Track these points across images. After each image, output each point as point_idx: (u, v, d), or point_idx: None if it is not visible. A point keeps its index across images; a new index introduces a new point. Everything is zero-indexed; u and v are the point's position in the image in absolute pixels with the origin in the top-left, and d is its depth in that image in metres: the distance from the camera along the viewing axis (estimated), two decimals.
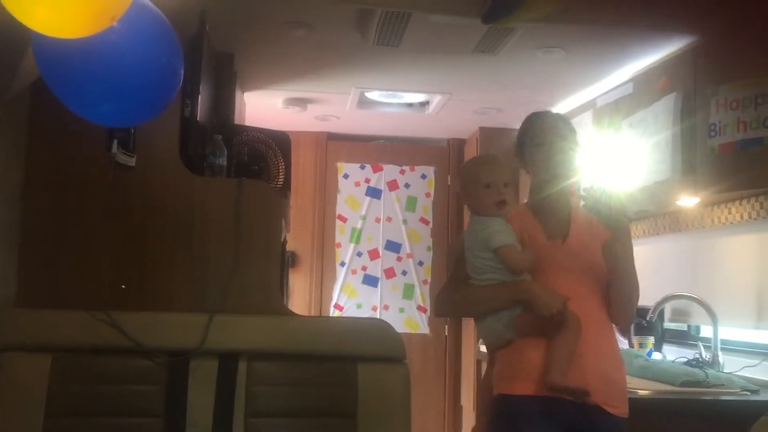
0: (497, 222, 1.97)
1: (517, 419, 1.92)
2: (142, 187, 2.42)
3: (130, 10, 1.36)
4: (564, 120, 2.13)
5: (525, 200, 2.23)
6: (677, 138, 2.81)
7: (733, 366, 2.77)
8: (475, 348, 4.52)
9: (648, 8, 2.57)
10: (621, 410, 1.94)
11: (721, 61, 2.64)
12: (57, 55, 1.38)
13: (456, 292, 2.07)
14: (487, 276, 1.97)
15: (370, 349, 2.32)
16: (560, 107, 4.09)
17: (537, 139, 2.04)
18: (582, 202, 1.99)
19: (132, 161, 2.37)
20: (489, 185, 1.97)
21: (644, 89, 3.16)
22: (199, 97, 2.46)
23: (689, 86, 2.82)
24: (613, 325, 2.05)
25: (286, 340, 2.28)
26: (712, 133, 2.58)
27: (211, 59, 2.76)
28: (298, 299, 4.91)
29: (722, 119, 2.54)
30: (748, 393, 2.44)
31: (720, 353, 2.83)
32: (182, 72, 1.66)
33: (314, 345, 2.30)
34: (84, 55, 1.36)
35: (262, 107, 4.24)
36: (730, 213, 2.86)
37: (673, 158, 2.82)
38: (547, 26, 2.75)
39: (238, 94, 3.58)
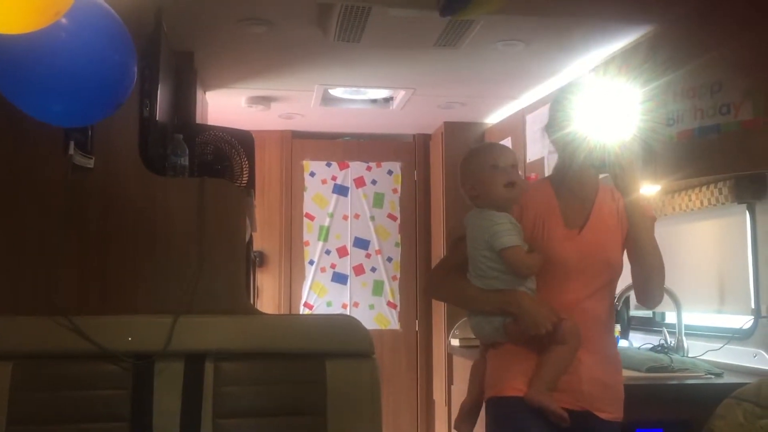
0: (503, 219, 1.83)
1: (509, 420, 1.87)
2: (101, 189, 2.37)
3: (79, 8, 1.33)
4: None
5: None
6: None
7: (697, 350, 2.81)
8: (446, 343, 4.54)
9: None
10: (615, 415, 1.91)
11: (678, 50, 2.68)
12: (3, 53, 1.35)
13: (449, 280, 2.00)
14: (490, 283, 1.86)
15: (337, 346, 2.31)
16: (523, 99, 4.12)
17: (566, 120, 1.90)
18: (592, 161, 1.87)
19: (90, 163, 2.33)
20: (496, 166, 1.86)
21: (604, 79, 3.19)
22: (158, 96, 2.42)
23: (646, 77, 2.85)
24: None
25: (252, 340, 2.26)
26: (671, 121, 2.62)
27: (169, 58, 2.72)
28: (268, 299, 4.88)
29: (679, 107, 2.57)
30: (712, 376, 2.48)
31: (684, 338, 2.88)
32: (136, 70, 1.63)
33: (281, 343, 2.28)
34: (32, 54, 1.32)
35: (225, 106, 4.20)
36: (690, 200, 2.91)
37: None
38: (507, 19, 2.77)
39: (199, 93, 3.55)
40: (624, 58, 3.08)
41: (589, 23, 2.92)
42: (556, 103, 1.98)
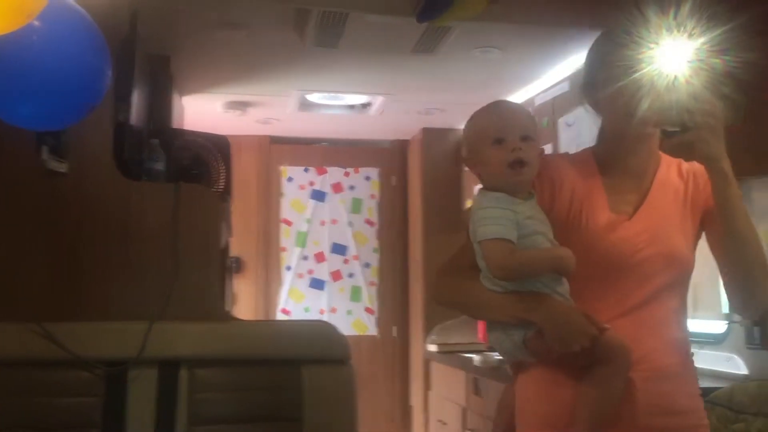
0: (493, 201, 1.41)
1: None
2: (75, 194, 2.35)
3: (51, 10, 1.32)
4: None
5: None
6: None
7: None
8: (423, 348, 4.54)
9: (581, 8, 2.62)
10: None
11: None
12: None
13: (458, 283, 1.52)
14: (500, 284, 1.42)
15: (313, 352, 2.30)
16: None
17: (617, 67, 1.40)
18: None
19: (63, 167, 2.30)
20: (500, 140, 1.41)
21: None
22: (133, 100, 2.40)
23: None
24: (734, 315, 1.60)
25: (227, 346, 2.25)
26: None
27: (144, 62, 2.70)
28: (245, 305, 4.85)
29: None
30: None
31: None
32: (109, 73, 1.61)
33: (257, 349, 2.27)
34: (2, 56, 1.31)
35: (202, 111, 4.18)
36: None
37: None
38: (483, 26, 2.78)
39: (176, 97, 3.53)
40: None
41: (564, 32, 2.95)
42: (599, 48, 1.50)
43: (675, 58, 1.35)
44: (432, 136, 4.76)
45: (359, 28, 2.87)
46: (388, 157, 5.18)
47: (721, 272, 1.48)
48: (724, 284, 1.49)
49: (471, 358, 3.71)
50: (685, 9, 1.36)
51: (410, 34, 2.93)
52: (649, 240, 1.44)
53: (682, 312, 1.49)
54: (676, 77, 1.34)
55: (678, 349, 1.46)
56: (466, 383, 3.73)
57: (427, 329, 4.50)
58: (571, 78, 3.35)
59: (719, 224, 1.42)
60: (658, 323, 1.44)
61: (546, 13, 2.56)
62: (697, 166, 1.48)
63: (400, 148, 5.16)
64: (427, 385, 4.58)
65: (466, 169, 4.55)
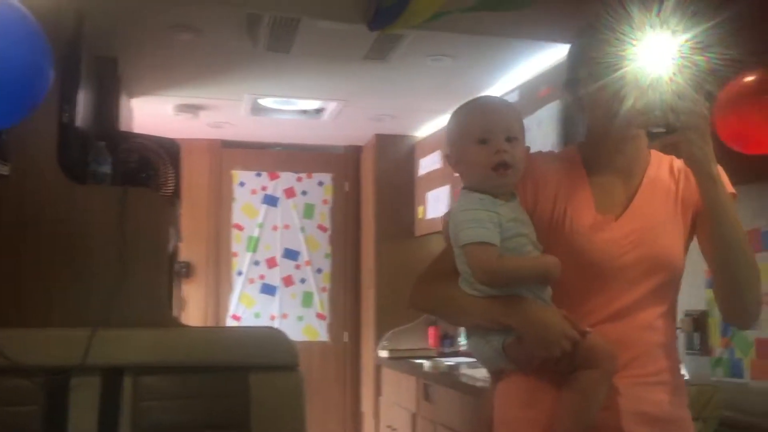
0: (476, 203, 1.34)
1: None
2: (17, 197, 2.30)
3: None
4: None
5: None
6: (559, 145, 2.93)
7: None
8: (374, 354, 4.55)
9: (530, 20, 2.67)
10: None
11: None
12: None
13: (437, 287, 1.45)
14: (480, 288, 1.35)
15: (262, 358, 2.29)
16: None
17: (600, 64, 1.34)
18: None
19: (5, 169, 2.24)
20: (484, 140, 1.34)
21: (528, 98, 3.28)
22: (79, 102, 2.36)
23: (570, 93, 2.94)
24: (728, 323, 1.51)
25: (174, 353, 2.22)
26: None
27: (91, 63, 2.65)
28: (194, 311, 4.79)
29: None
30: None
31: None
32: (51, 73, 1.58)
33: (203, 356, 2.24)
34: None
35: (151, 114, 4.11)
36: None
37: None
38: (435, 34, 2.81)
39: (124, 100, 3.47)
40: (546, 78, 3.18)
41: (515, 42, 2.99)
42: (581, 43, 1.44)
43: (659, 56, 1.29)
44: (385, 142, 4.77)
45: (311, 34, 2.87)
46: (341, 163, 5.18)
47: (714, 280, 1.41)
48: (714, 291, 1.43)
49: (421, 363, 3.73)
50: (669, 5, 1.32)
51: (362, 41, 2.94)
52: (637, 242, 1.38)
53: (670, 317, 1.43)
54: (660, 75, 1.28)
55: (666, 356, 1.40)
56: (417, 389, 3.75)
57: (379, 335, 4.51)
58: (521, 87, 3.40)
59: (707, 228, 1.36)
60: (646, 328, 1.38)
61: (497, 24, 2.60)
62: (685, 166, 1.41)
63: (353, 153, 5.17)
64: (377, 391, 4.58)
65: (419, 175, 4.58)
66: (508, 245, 1.31)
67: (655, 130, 1.29)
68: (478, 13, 2.42)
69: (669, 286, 1.41)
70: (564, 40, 2.91)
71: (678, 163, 1.43)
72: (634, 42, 1.30)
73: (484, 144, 1.34)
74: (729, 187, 1.38)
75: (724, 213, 1.32)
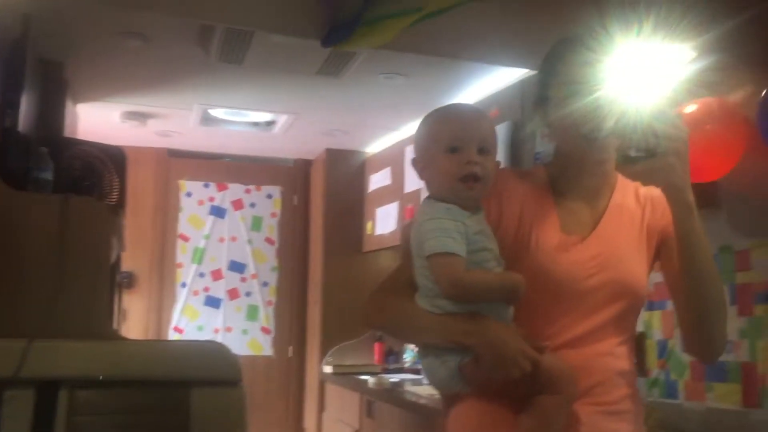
0: (442, 212, 1.27)
1: None
2: None
3: None
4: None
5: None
6: (506, 166, 2.98)
7: None
8: (319, 369, 4.52)
9: (481, 42, 2.71)
10: None
11: None
12: None
13: (393, 303, 1.36)
14: (439, 304, 1.27)
15: (204, 373, 2.24)
16: (403, 131, 4.22)
17: (572, 84, 1.30)
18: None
19: None
20: (454, 148, 1.28)
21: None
22: (21, 106, 2.29)
23: (518, 117, 3.01)
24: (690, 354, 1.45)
25: (112, 366, 2.16)
26: (537, 161, 2.76)
27: (36, 66, 2.59)
28: (135, 322, 4.68)
29: (546, 149, 2.72)
30: None
31: None
32: None
33: (144, 370, 2.19)
34: None
35: (97, 120, 4.03)
36: None
37: None
38: (388, 53, 2.83)
39: (69, 105, 3.39)
40: (496, 99, 3.24)
41: (468, 63, 3.04)
42: (554, 59, 1.37)
43: (639, 77, 1.24)
44: (335, 157, 4.78)
45: (265, 47, 2.86)
46: (291, 176, 5.16)
47: (677, 311, 1.37)
48: (680, 324, 1.37)
49: (366, 380, 3.72)
50: (650, 24, 1.30)
51: (316, 56, 2.95)
52: (602, 265, 1.33)
53: (631, 344, 1.38)
54: (640, 96, 1.22)
55: (628, 384, 1.36)
56: (360, 405, 3.73)
57: (324, 350, 4.48)
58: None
59: (678, 259, 1.29)
60: (608, 354, 1.33)
61: (449, 45, 2.64)
62: (655, 192, 1.37)
63: (303, 167, 5.15)
64: (321, 407, 4.55)
65: (369, 191, 4.59)
66: (473, 259, 1.25)
67: (634, 153, 1.22)
68: (431, 33, 2.45)
69: (631, 313, 1.38)
70: (513, 64, 2.98)
71: (644, 190, 1.41)
72: (613, 61, 1.25)
73: (454, 153, 1.28)
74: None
75: (699, 244, 1.26)
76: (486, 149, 1.30)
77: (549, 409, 1.24)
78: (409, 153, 4.09)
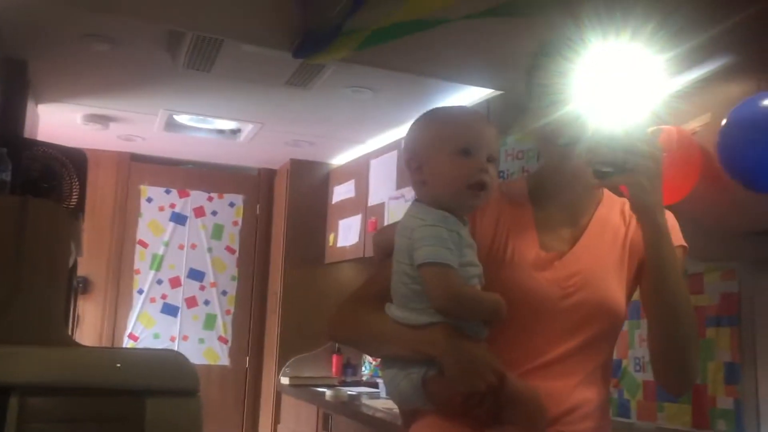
0: (439, 219, 1.19)
1: None
2: None
3: None
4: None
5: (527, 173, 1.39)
6: None
7: None
8: (276, 380, 4.49)
9: (447, 61, 2.75)
10: None
11: (509, 114, 2.89)
12: None
13: (359, 314, 1.31)
14: (414, 318, 1.21)
15: (160, 382, 2.21)
16: (369, 144, 4.24)
17: (549, 94, 1.25)
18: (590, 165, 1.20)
19: None
20: (467, 151, 1.20)
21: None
22: None
23: None
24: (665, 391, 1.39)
25: (66, 373, 2.11)
26: (501, 179, 2.80)
27: None
28: (89, 328, 4.60)
29: (510, 167, 2.77)
30: None
31: None
32: None
33: (98, 378, 2.15)
34: None
35: (59, 122, 3.97)
36: None
37: None
38: (357, 67, 2.85)
39: (30, 105, 3.33)
40: None
41: (432, 80, 3.07)
42: (533, 69, 1.33)
43: (615, 90, 1.19)
44: (300, 167, 4.77)
45: (234, 56, 2.85)
46: (254, 185, 5.14)
47: (648, 338, 1.29)
48: (650, 352, 1.29)
49: (323, 392, 3.71)
50: (627, 34, 1.25)
51: (285, 66, 2.95)
52: (581, 284, 1.27)
53: (607, 369, 1.31)
54: (615, 111, 1.18)
55: (600, 412, 1.28)
56: (317, 418, 3.72)
57: (282, 361, 4.46)
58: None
59: (648, 283, 1.24)
60: (582, 380, 1.26)
61: (416, 62, 2.66)
62: None
63: (267, 176, 5.13)
64: (276, 419, 4.51)
65: (333, 203, 4.59)
66: (461, 273, 1.19)
67: (604, 168, 1.17)
68: (400, 49, 2.47)
69: (607, 336, 1.31)
70: (478, 84, 3.02)
71: (625, 207, 1.35)
72: (589, 73, 1.21)
73: (466, 157, 1.20)
74: (679, 240, 1.31)
75: (669, 266, 1.21)
76: (493, 158, 1.23)
77: None
78: (374, 166, 4.12)
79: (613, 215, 1.35)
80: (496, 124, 1.30)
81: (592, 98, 1.20)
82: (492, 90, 3.06)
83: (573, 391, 1.25)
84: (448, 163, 1.20)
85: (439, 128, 1.24)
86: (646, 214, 1.19)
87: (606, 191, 1.36)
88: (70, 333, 2.73)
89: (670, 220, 1.28)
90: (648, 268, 1.24)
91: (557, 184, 1.32)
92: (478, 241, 1.26)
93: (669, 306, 1.22)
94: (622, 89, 1.20)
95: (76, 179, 2.99)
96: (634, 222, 1.31)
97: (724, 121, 1.79)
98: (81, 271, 4.36)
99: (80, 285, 4.43)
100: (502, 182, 1.43)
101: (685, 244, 1.32)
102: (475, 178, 1.20)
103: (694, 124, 2.05)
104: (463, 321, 1.19)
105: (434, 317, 1.19)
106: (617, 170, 1.16)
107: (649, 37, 1.27)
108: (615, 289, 1.28)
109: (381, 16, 1.82)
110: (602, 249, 1.29)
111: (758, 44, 1.92)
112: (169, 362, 2.25)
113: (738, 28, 1.90)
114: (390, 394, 1.28)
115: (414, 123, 1.29)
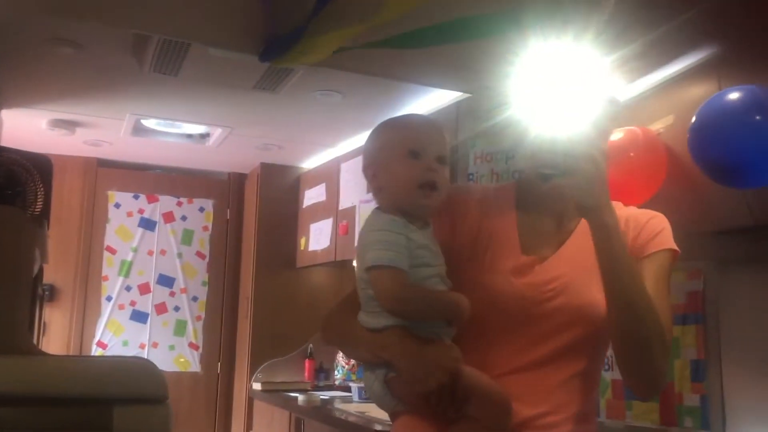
0: (388, 224, 1.23)
1: None
2: None
3: None
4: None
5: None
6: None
7: None
8: (248, 386, 4.45)
9: (417, 64, 2.75)
10: None
11: (477, 117, 2.90)
12: None
13: (344, 317, 1.34)
14: (375, 321, 1.25)
15: (128, 390, 2.18)
16: (339, 148, 4.23)
17: (504, 99, 1.35)
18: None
19: None
20: (416, 153, 1.24)
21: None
22: None
23: (452, 138, 3.06)
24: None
25: (29, 383, 2.07)
26: (471, 181, 2.81)
27: None
28: (56, 336, 4.52)
29: (479, 169, 2.78)
30: None
31: None
32: None
33: (63, 387, 2.11)
34: None
35: (23, 127, 3.90)
36: None
37: None
38: (326, 70, 2.85)
39: None
40: (436, 118, 3.29)
41: (402, 84, 3.08)
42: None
43: (557, 94, 1.22)
44: (270, 171, 4.75)
45: (201, 59, 2.83)
46: (224, 190, 5.10)
47: (611, 339, 1.27)
48: (614, 354, 1.27)
49: (296, 397, 3.69)
50: (568, 38, 1.28)
51: (253, 70, 2.93)
52: (561, 289, 1.26)
53: (590, 377, 1.28)
54: (557, 115, 1.19)
55: (578, 419, 1.25)
56: (289, 423, 3.69)
57: (254, 367, 4.43)
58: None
59: (603, 282, 1.21)
60: (559, 385, 1.25)
61: (385, 65, 2.66)
62: (633, 213, 1.32)
63: (237, 181, 5.10)
64: (248, 425, 4.48)
65: (304, 206, 4.58)
66: (414, 274, 1.22)
67: (546, 171, 1.19)
68: (369, 53, 2.47)
69: (589, 342, 1.28)
70: (446, 87, 3.03)
71: (624, 212, 1.32)
72: (530, 76, 1.25)
73: (414, 158, 1.24)
74: (665, 243, 1.28)
75: (620, 267, 1.18)
76: (443, 158, 1.26)
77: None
78: (345, 169, 4.11)
79: None
80: (459, 127, 1.32)
81: (534, 102, 1.23)
82: (461, 93, 3.08)
83: (549, 395, 1.25)
84: (398, 166, 1.25)
85: (389, 135, 1.29)
86: (588, 215, 1.19)
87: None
88: (35, 342, 2.69)
89: (661, 223, 1.29)
90: (600, 270, 1.21)
91: (542, 188, 1.29)
92: (457, 247, 1.30)
93: (625, 306, 1.19)
94: (564, 93, 1.22)
95: (41, 185, 2.94)
96: (622, 226, 1.27)
97: (693, 119, 1.82)
98: (47, 279, 4.30)
99: (46, 293, 4.36)
100: (485, 187, 1.48)
101: (673, 247, 1.29)
102: (424, 178, 1.23)
103: (658, 126, 2.08)
104: (420, 322, 1.21)
105: (390, 320, 1.22)
106: (558, 173, 1.17)
107: (590, 41, 1.29)
108: (596, 295, 1.25)
109: (348, 19, 1.82)
110: (586, 254, 1.25)
111: (715, 45, 1.95)
112: (137, 369, 2.21)
113: (690, 28, 1.94)
114: (369, 397, 1.32)
115: (369, 134, 1.34)
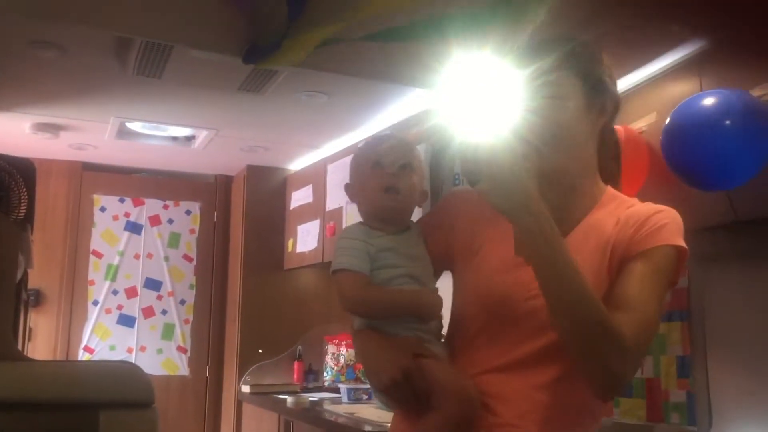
0: (354, 233, 1.35)
1: None
2: None
3: None
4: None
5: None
6: (428, 186, 3.03)
7: None
8: (236, 389, 4.44)
9: (403, 64, 2.75)
10: None
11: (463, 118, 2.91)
12: None
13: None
14: (355, 323, 1.36)
15: (114, 395, 2.16)
16: (325, 149, 4.23)
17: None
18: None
19: None
20: (378, 163, 1.37)
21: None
22: None
23: (439, 137, 3.06)
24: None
25: (14, 388, 2.05)
26: (456, 182, 2.82)
27: None
28: (43, 342, 4.49)
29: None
30: None
31: None
32: None
33: (49, 392, 2.09)
34: None
35: (6, 131, 3.87)
36: None
37: (424, 206, 3.03)
38: (311, 72, 2.84)
39: None
40: (418, 120, 3.29)
41: (389, 84, 3.08)
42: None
43: (479, 100, 1.25)
44: (256, 173, 4.73)
45: (185, 61, 2.82)
46: (211, 192, 5.08)
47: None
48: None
49: (284, 399, 3.68)
50: (492, 46, 1.33)
51: (237, 72, 2.92)
52: None
53: (576, 383, 1.21)
54: (484, 122, 1.21)
55: (565, 420, 1.24)
56: (278, 425, 3.69)
57: (243, 370, 4.41)
58: (393, 127, 3.50)
59: (538, 283, 1.17)
60: (544, 384, 1.23)
61: (369, 66, 2.67)
62: (635, 209, 1.29)
63: (224, 183, 5.08)
64: (237, 428, 4.47)
65: (291, 208, 4.57)
66: (376, 276, 1.31)
67: (470, 177, 1.21)
68: (352, 53, 2.47)
69: None
70: (432, 87, 3.03)
71: (627, 212, 1.29)
72: (459, 83, 1.33)
73: (379, 167, 1.38)
74: (668, 239, 1.23)
75: (546, 268, 1.15)
76: (408, 166, 1.38)
77: (428, 428, 1.22)
78: (331, 170, 4.11)
79: (606, 222, 1.29)
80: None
81: (460, 109, 1.30)
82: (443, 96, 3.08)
83: (532, 394, 1.23)
84: (365, 177, 1.40)
85: (358, 154, 1.45)
86: (507, 217, 1.16)
87: (612, 197, 1.34)
88: (20, 347, 2.67)
89: (666, 218, 1.25)
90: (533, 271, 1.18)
91: (544, 181, 1.24)
92: (456, 247, 1.36)
93: (557, 310, 1.16)
94: (486, 99, 1.26)
95: (24, 189, 2.91)
96: (621, 225, 1.27)
97: (667, 121, 1.83)
98: (33, 284, 4.27)
99: (32, 298, 4.33)
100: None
101: (675, 243, 1.23)
102: (388, 183, 1.36)
103: (640, 124, 2.09)
104: (390, 321, 1.30)
105: (363, 322, 1.33)
106: (478, 179, 1.18)
107: (510, 53, 1.31)
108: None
109: (328, 20, 1.82)
110: (582, 254, 1.22)
111: (697, 43, 1.97)
112: (122, 373, 2.19)
113: (673, 27, 1.95)
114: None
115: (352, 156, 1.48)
